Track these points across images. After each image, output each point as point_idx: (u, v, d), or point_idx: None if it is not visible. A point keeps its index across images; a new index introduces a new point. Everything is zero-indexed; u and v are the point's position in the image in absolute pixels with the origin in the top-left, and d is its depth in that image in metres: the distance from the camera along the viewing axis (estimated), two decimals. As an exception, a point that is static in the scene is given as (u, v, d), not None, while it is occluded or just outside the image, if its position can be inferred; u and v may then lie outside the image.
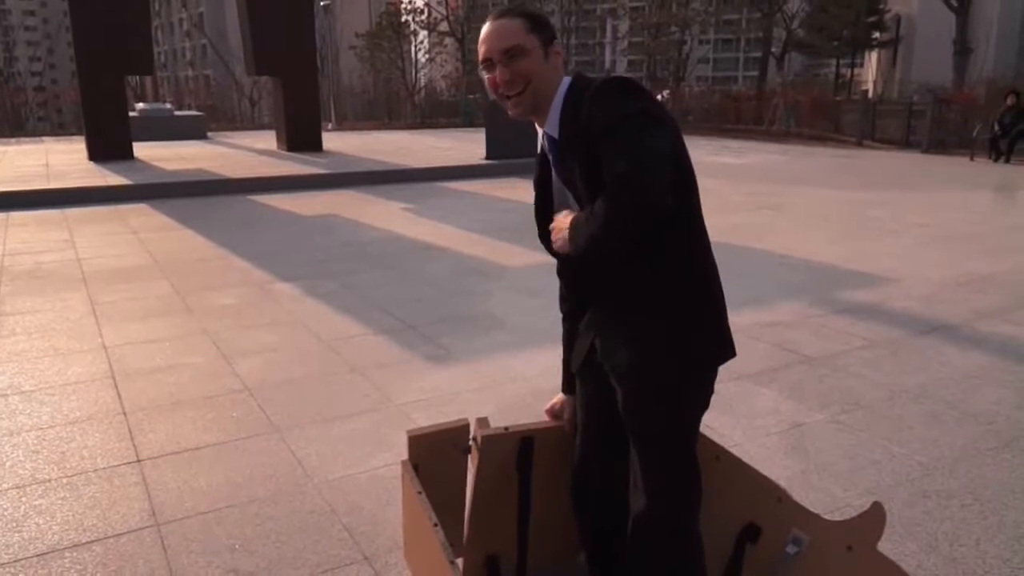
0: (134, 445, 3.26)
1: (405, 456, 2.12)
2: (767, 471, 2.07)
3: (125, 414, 3.57)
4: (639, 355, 1.74)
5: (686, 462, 1.81)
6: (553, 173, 1.86)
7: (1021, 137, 14.75)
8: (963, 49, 27.24)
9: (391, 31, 41.02)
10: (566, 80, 1.77)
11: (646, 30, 39.61)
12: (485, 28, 1.77)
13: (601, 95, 1.61)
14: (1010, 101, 15.12)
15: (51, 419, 3.53)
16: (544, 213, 1.89)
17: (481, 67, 1.79)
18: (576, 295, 2.01)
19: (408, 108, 31.62)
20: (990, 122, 15.63)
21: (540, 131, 1.85)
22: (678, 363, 1.73)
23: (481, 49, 1.76)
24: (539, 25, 1.76)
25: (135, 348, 4.48)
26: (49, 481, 2.97)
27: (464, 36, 43.21)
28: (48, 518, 2.71)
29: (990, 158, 15.18)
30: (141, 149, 14.38)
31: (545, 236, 1.84)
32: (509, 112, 1.80)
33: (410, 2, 42.45)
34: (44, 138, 20.67)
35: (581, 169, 1.66)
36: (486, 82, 1.80)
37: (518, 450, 2.13)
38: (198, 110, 24.28)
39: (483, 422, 2.16)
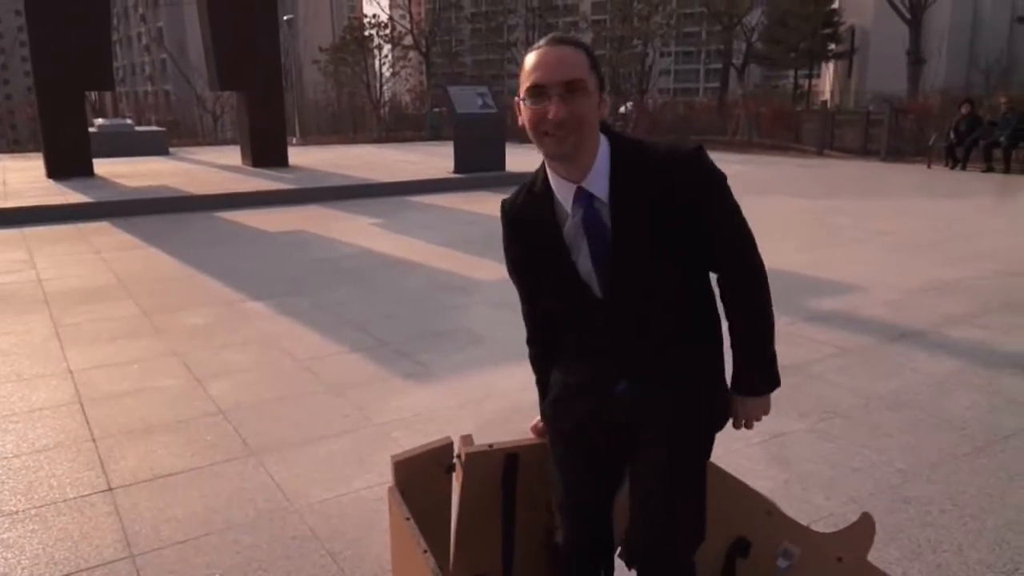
0: (105, 473, 3.17)
1: (389, 479, 2.08)
2: (750, 482, 2.07)
3: (94, 441, 3.48)
4: (686, 395, 1.76)
5: (703, 501, 1.81)
6: (568, 224, 1.72)
7: (976, 145, 15.09)
8: (916, 60, 27.93)
9: (355, 45, 40.91)
10: (603, 138, 1.69)
11: (609, 43, 39.98)
12: (543, 52, 1.61)
13: (705, 172, 1.68)
14: (965, 110, 15.47)
15: (16, 448, 3.42)
16: (559, 259, 1.74)
17: (524, 95, 1.63)
18: (547, 338, 1.93)
19: (373, 122, 31.52)
20: (945, 130, 15.96)
21: (554, 180, 1.72)
22: (715, 403, 1.84)
23: (534, 75, 1.60)
24: (597, 65, 1.65)
25: (102, 372, 4.37)
26: (16, 513, 2.87)
27: (428, 50, 43.28)
28: (16, 552, 2.62)
29: (946, 165, 15.50)
30: (101, 166, 14.14)
31: (565, 291, 1.77)
32: (546, 149, 1.65)
33: (374, 16, 42.40)
34: None
35: (648, 225, 1.66)
36: (525, 112, 1.64)
37: (503, 467, 2.11)
38: (159, 125, 23.97)
39: (467, 439, 2.13)
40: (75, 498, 2.98)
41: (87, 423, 3.67)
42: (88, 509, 2.90)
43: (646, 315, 1.74)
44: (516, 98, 1.68)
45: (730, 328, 1.79)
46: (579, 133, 1.61)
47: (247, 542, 2.67)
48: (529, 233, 1.79)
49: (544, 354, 1.97)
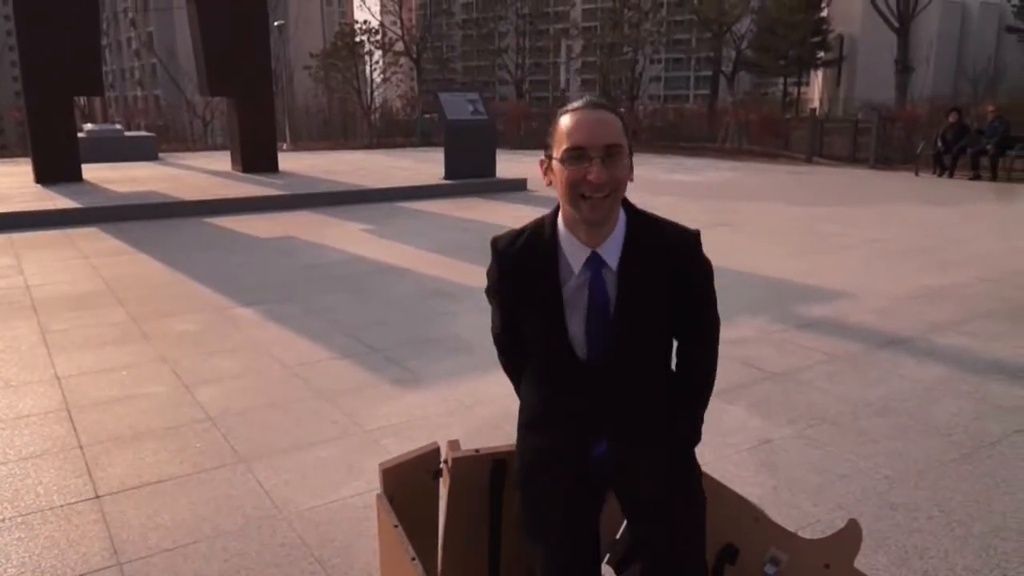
0: (92, 480, 3.15)
1: (377, 486, 2.07)
2: (739, 488, 2.08)
3: (82, 448, 3.46)
4: (671, 452, 1.86)
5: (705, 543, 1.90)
6: (572, 283, 1.75)
7: (963, 153, 15.21)
8: (904, 68, 28.11)
9: (346, 51, 40.91)
10: (620, 208, 1.74)
11: (599, 50, 40.18)
12: (583, 115, 1.64)
13: (701, 260, 1.81)
14: (952, 118, 15.58)
15: (2, 455, 3.40)
16: (550, 298, 1.76)
17: (562, 156, 1.64)
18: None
19: (364, 128, 31.51)
20: (933, 138, 16.08)
21: (567, 239, 1.74)
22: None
23: (576, 137, 1.62)
24: (628, 130, 1.69)
25: (90, 378, 4.35)
26: (2, 521, 2.86)
27: (419, 56, 43.31)
28: (2, 560, 2.61)
29: (934, 173, 15.62)
30: (90, 171, 14.06)
31: (547, 345, 1.81)
32: (583, 214, 1.66)
33: (365, 22, 42.41)
34: (-12, 161, 20.15)
35: (652, 298, 1.76)
36: (561, 173, 1.64)
37: (490, 473, 2.11)
38: (148, 131, 23.90)
39: (454, 444, 2.13)
40: (62, 506, 2.97)
41: (74, 430, 3.65)
42: (75, 517, 2.88)
43: (629, 378, 1.80)
44: (545, 157, 1.71)
45: (677, 388, 1.88)
46: (615, 197, 1.67)
47: (235, 549, 2.66)
48: (526, 280, 1.79)
49: (518, 366, 1.99)
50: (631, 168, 1.71)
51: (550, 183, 1.71)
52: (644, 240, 1.74)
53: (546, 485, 1.84)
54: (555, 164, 1.67)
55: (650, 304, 1.76)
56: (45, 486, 3.13)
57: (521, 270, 1.79)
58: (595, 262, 1.72)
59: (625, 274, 1.72)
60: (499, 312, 1.92)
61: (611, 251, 1.72)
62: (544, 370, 1.86)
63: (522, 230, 1.82)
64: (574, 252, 1.73)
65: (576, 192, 1.64)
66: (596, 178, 1.61)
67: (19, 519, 2.87)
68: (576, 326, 1.75)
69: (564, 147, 1.63)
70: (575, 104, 1.67)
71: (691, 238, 1.78)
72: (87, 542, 2.72)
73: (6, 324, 5.44)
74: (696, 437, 1.92)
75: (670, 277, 1.75)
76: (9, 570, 2.56)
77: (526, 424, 1.92)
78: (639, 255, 1.73)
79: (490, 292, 1.91)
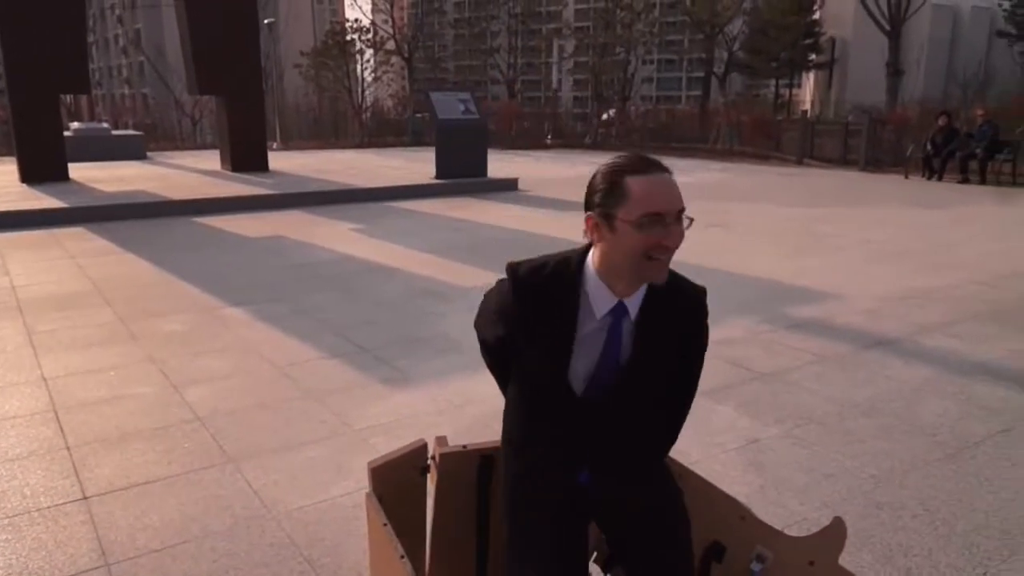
0: (79, 481, 3.15)
1: (367, 485, 2.08)
2: (726, 487, 2.10)
3: (69, 449, 3.45)
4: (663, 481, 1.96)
5: None
6: (591, 327, 1.79)
7: (952, 156, 15.30)
8: (895, 71, 28.25)
9: (336, 49, 40.79)
10: None
11: (591, 50, 40.17)
12: (659, 181, 1.67)
13: (706, 324, 1.90)
14: (942, 122, 15.68)
15: (-11, 456, 3.39)
16: (562, 336, 1.79)
17: (639, 221, 1.65)
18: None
19: (355, 127, 31.46)
20: (923, 142, 16.17)
21: (596, 286, 1.77)
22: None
23: (656, 203, 1.65)
24: None
25: (77, 379, 4.33)
26: (-10, 522, 2.85)
27: (411, 55, 43.27)
28: (-9, 561, 2.60)
29: (924, 176, 15.71)
30: (77, 170, 13.99)
31: (546, 379, 1.85)
32: (651, 274, 1.71)
33: (356, 21, 42.34)
34: (-26, 159, 20.01)
35: (663, 351, 1.84)
36: (638, 236, 1.65)
37: (478, 469, 2.12)
38: (136, 129, 23.79)
39: (442, 441, 2.15)
40: (49, 507, 2.96)
41: (61, 431, 3.64)
42: (62, 518, 2.88)
43: (619, 418, 1.87)
44: (597, 216, 1.70)
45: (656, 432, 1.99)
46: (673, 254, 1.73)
47: (224, 550, 2.66)
48: (541, 313, 1.80)
49: (504, 373, 2.03)
50: None
51: (598, 239, 1.73)
52: (663, 295, 1.80)
53: (532, 511, 1.87)
54: (622, 225, 1.66)
55: (660, 357, 1.84)
56: (32, 487, 3.11)
57: (540, 302, 1.80)
58: (619, 311, 1.77)
59: (643, 326, 1.79)
60: (497, 335, 1.93)
61: (634, 303, 1.78)
62: (534, 397, 1.91)
63: (544, 262, 1.84)
64: (601, 298, 1.77)
65: (648, 256, 1.67)
66: (675, 243, 1.68)
67: (6, 521, 2.86)
68: (582, 366, 1.81)
69: (641, 212, 1.65)
70: (635, 164, 1.68)
71: (703, 300, 1.87)
72: (75, 543, 2.71)
73: (-7, 323, 5.42)
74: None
75: (680, 335, 1.85)
76: (-4, 571, 2.55)
77: (510, 442, 1.97)
78: (658, 310, 1.81)
79: (491, 313, 1.93)
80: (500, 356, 1.99)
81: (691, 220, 1.70)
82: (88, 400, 4.02)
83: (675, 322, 1.83)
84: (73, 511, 2.93)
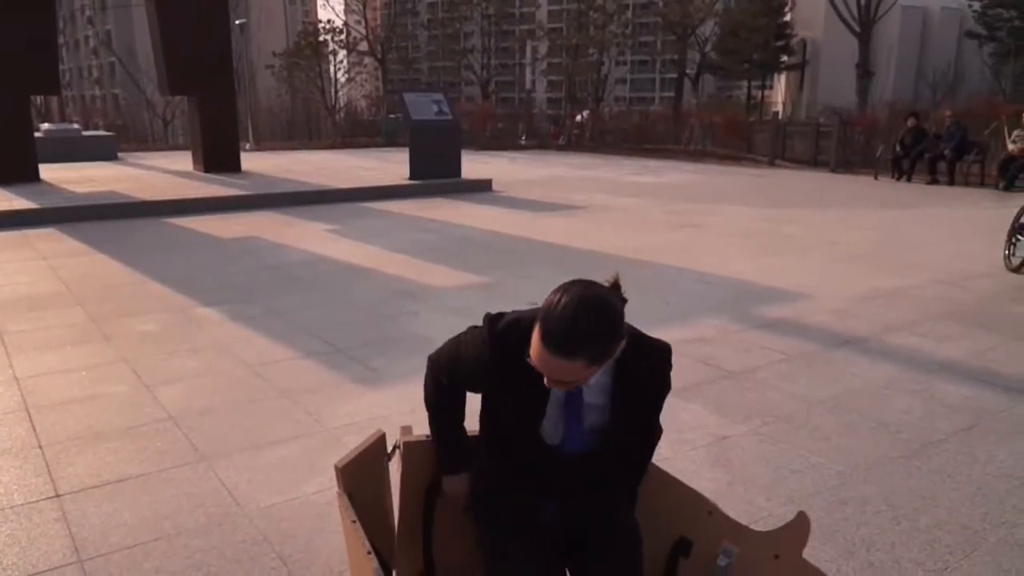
0: (52, 480, 3.14)
1: (336, 486, 2.11)
2: (695, 484, 2.14)
3: (41, 448, 3.43)
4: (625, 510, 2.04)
5: None
6: (560, 395, 1.85)
7: (921, 157, 15.49)
8: (865, 73, 28.61)
9: (309, 50, 40.59)
10: None
11: (565, 51, 40.31)
12: (551, 362, 1.68)
13: (669, 377, 1.98)
14: (910, 123, 15.82)
15: (-39, 455, 3.37)
16: (535, 394, 1.84)
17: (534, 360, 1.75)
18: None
19: (328, 128, 31.34)
20: (892, 143, 16.35)
21: None
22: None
23: (541, 368, 1.72)
24: (601, 356, 1.76)
25: (50, 379, 4.30)
26: (-38, 520, 2.84)
27: (384, 56, 43.14)
28: (-37, 559, 2.59)
29: (893, 177, 15.88)
30: (48, 171, 13.81)
31: (529, 430, 1.91)
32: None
33: (328, 21, 42.14)
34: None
35: (631, 410, 1.92)
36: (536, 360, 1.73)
37: None
38: (107, 130, 23.51)
39: (406, 430, 2.20)
40: (22, 504, 2.95)
41: (34, 430, 3.62)
42: (36, 515, 2.87)
43: (587, 465, 1.96)
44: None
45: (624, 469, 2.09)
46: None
47: (197, 546, 2.67)
48: (516, 369, 1.81)
49: (453, 400, 2.10)
50: (621, 346, 1.74)
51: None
52: (632, 359, 1.83)
53: (507, 536, 1.92)
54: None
55: (628, 417, 1.93)
56: (5, 485, 3.10)
57: (513, 361, 1.80)
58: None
59: (613, 394, 1.87)
60: (471, 375, 1.96)
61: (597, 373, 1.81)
62: (504, 440, 1.99)
63: (519, 318, 1.86)
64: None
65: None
66: (555, 387, 1.77)
67: (-21, 518, 2.86)
68: (551, 423, 1.89)
69: (534, 360, 1.70)
70: (550, 333, 1.65)
71: (668, 358, 1.94)
72: (48, 540, 2.71)
73: (-38, 324, 5.36)
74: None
75: (647, 394, 1.95)
76: (-31, 568, 2.55)
77: (482, 473, 2.06)
78: (625, 376, 1.86)
79: (471, 353, 1.94)
80: (454, 399, 2.07)
81: (595, 369, 1.71)
82: (61, 399, 4.00)
83: (642, 384, 1.90)
84: (46, 508, 2.93)
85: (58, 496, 3.01)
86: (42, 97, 25.24)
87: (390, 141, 25.47)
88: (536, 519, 1.95)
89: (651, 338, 1.92)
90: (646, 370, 1.89)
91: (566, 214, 11.07)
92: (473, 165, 15.66)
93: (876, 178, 16.14)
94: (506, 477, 1.99)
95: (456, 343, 2.02)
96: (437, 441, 2.11)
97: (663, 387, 1.97)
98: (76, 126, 21.88)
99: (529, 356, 1.71)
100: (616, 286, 1.78)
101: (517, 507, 1.96)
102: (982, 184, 14.85)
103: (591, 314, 1.65)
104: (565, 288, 1.69)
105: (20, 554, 2.63)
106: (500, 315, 1.89)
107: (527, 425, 1.90)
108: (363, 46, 42.90)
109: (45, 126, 19.75)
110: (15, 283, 6.64)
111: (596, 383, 1.83)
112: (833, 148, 18.39)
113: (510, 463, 1.99)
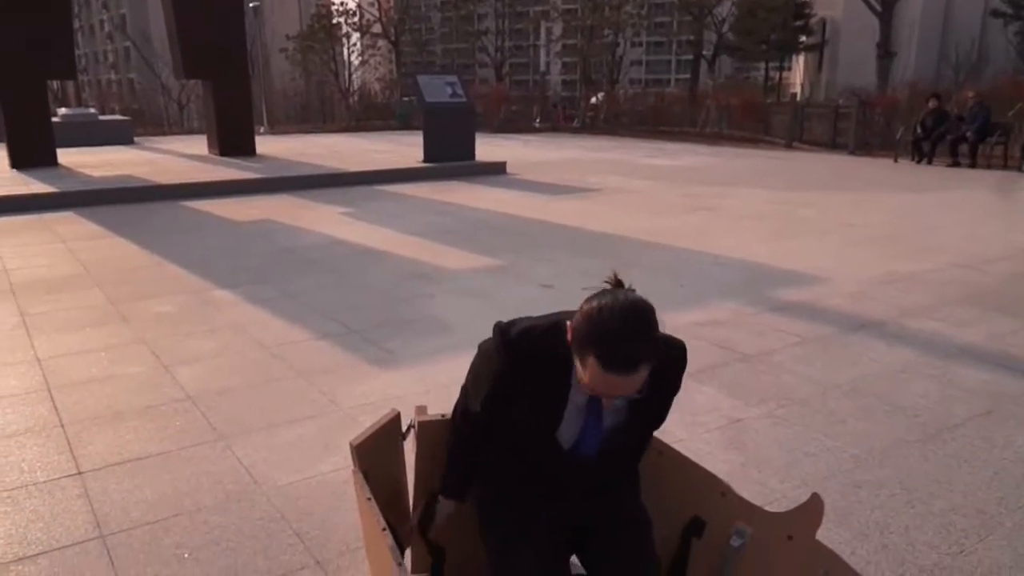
0: (74, 457, 3.19)
1: (352, 464, 2.14)
2: (709, 465, 2.15)
3: (63, 426, 3.49)
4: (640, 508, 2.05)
5: None
6: (576, 396, 1.85)
7: (942, 139, 15.27)
8: (886, 53, 28.17)
9: (323, 33, 40.50)
10: None
11: (580, 33, 39.99)
12: (611, 380, 1.66)
13: (683, 371, 1.98)
14: (932, 104, 15.59)
15: (-15, 433, 3.43)
16: (553, 400, 1.86)
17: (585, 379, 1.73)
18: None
19: (342, 111, 31.32)
20: (912, 125, 16.09)
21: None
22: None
23: (597, 390, 1.72)
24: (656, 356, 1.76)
25: (70, 359, 4.36)
26: (-13, 496, 2.90)
27: (398, 38, 43.00)
28: (-11, 533, 2.65)
29: (913, 159, 15.67)
30: (65, 155, 13.92)
31: (534, 437, 1.92)
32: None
33: (342, 4, 42.04)
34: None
35: (649, 413, 1.96)
36: (586, 378, 1.70)
37: None
38: (123, 114, 23.60)
39: (421, 409, 2.23)
40: (45, 481, 3.00)
41: (56, 409, 3.67)
42: (58, 492, 2.92)
43: (604, 467, 1.97)
44: (573, 346, 1.71)
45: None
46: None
47: (216, 523, 2.71)
48: (532, 377, 1.83)
49: (470, 449, 2.08)
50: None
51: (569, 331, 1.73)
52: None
53: (514, 539, 1.91)
54: (572, 339, 1.69)
55: (646, 419, 1.97)
56: (29, 463, 3.16)
57: (530, 368, 1.82)
58: None
59: (630, 398, 1.83)
60: (487, 393, 1.94)
61: None
62: (518, 444, 1.99)
63: (533, 325, 1.85)
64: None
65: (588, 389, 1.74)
66: (606, 403, 1.80)
67: (5, 494, 2.91)
68: (569, 430, 1.89)
69: (585, 381, 1.69)
70: (611, 357, 1.62)
71: (683, 356, 1.96)
72: (71, 515, 2.76)
73: (-17, 306, 5.43)
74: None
75: (662, 389, 1.92)
76: (-5, 542, 2.60)
77: (489, 480, 2.05)
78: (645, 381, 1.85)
79: (486, 371, 1.94)
80: (481, 421, 2.00)
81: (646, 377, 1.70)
82: (81, 379, 4.06)
83: (658, 385, 1.85)
84: (68, 485, 2.97)
85: (80, 473, 3.06)
86: (59, 82, 25.33)
87: (404, 124, 25.44)
88: (544, 521, 1.94)
89: (666, 336, 1.90)
90: (663, 368, 1.86)
91: (580, 197, 11.04)
92: (487, 148, 15.63)
93: (896, 161, 15.95)
94: (516, 481, 1.99)
95: (471, 370, 2.03)
96: (449, 466, 2.10)
97: (676, 385, 1.98)
98: (93, 111, 21.99)
99: (582, 382, 1.70)
100: (619, 283, 1.76)
101: (525, 510, 1.95)
102: (1005, 166, 14.65)
103: (639, 324, 1.64)
104: (597, 308, 1.65)
105: (44, 529, 2.68)
106: (511, 323, 1.88)
107: (545, 430, 1.89)
108: (377, 28, 42.78)
109: (62, 111, 19.87)
110: (35, 266, 6.71)
111: None
112: (852, 130, 18.18)
113: (522, 467, 1.99)
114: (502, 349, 1.84)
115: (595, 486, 1.99)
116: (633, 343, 1.62)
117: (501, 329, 1.87)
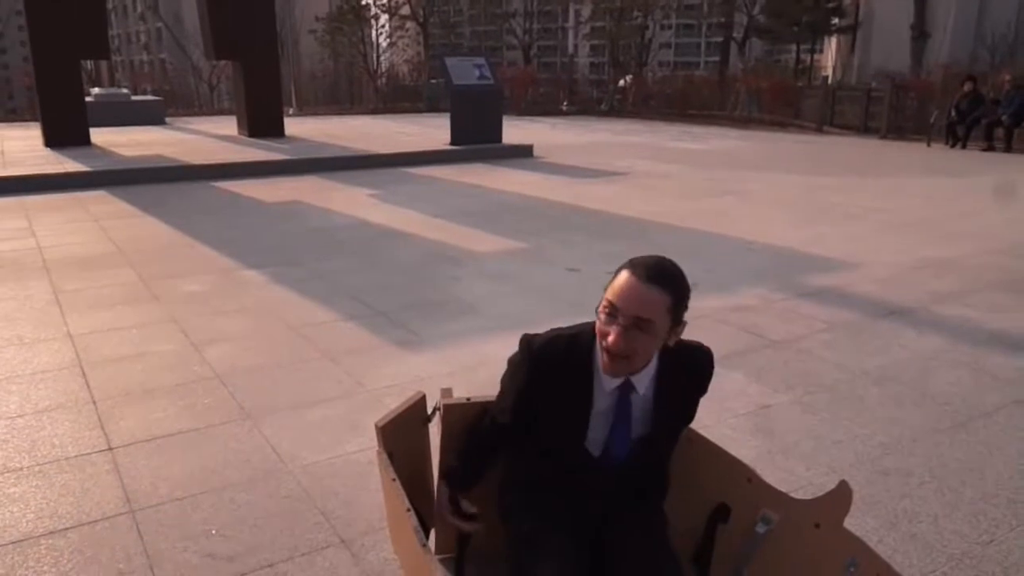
0: (105, 433, 3.24)
1: (377, 445, 2.15)
2: (735, 452, 2.13)
3: (95, 402, 3.54)
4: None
5: None
6: (602, 397, 1.88)
7: (977, 123, 14.99)
8: (921, 35, 27.60)
9: (352, 14, 40.46)
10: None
11: (608, 15, 39.56)
12: (631, 280, 1.73)
13: (711, 377, 2.03)
14: (967, 87, 15.31)
15: (20, 408, 3.49)
16: (578, 409, 1.90)
17: (601, 307, 1.77)
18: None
19: (370, 93, 31.34)
20: (947, 108, 15.83)
21: (605, 372, 1.84)
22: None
23: (615, 294, 1.74)
24: (679, 306, 1.78)
25: (102, 336, 4.43)
26: (21, 469, 2.95)
27: (426, 20, 42.86)
28: (22, 506, 2.70)
29: (947, 144, 15.41)
30: (98, 135, 14.07)
31: (574, 443, 1.93)
32: (602, 361, 1.81)
33: (371, -15, 41.95)
34: (-3, 123, 20.14)
35: (676, 417, 2.01)
36: (597, 324, 1.79)
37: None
38: (155, 95, 23.80)
39: (446, 392, 2.23)
40: (76, 456, 3.05)
41: (87, 385, 3.73)
42: (89, 467, 2.97)
43: (633, 473, 1.99)
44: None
45: None
46: (630, 363, 1.79)
47: (242, 500, 2.74)
48: (557, 387, 1.89)
49: (485, 446, 2.11)
50: (677, 333, 1.82)
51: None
52: (674, 371, 1.90)
53: (539, 544, 1.90)
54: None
55: (674, 423, 2.00)
56: (60, 437, 3.21)
57: (555, 377, 1.88)
58: (626, 387, 1.87)
59: (657, 401, 1.90)
60: (514, 405, 1.98)
61: (643, 381, 1.87)
62: (549, 454, 1.99)
63: (558, 335, 1.91)
64: (608, 376, 1.85)
65: (601, 344, 1.79)
66: (612, 344, 1.75)
67: (36, 468, 2.97)
68: (598, 435, 1.91)
69: (606, 299, 1.75)
70: (638, 266, 1.75)
71: (710, 361, 2.00)
72: (101, 490, 2.80)
73: (20, 284, 5.52)
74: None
75: (690, 394, 1.99)
76: (28, 515, 2.65)
77: (518, 483, 2.06)
78: (670, 385, 1.90)
79: (512, 384, 1.98)
80: (505, 427, 2.04)
81: (662, 328, 1.76)
82: (112, 356, 4.12)
83: (686, 391, 1.97)
84: (99, 460, 3.02)
85: (111, 449, 3.11)
86: (92, 62, 25.58)
87: (431, 106, 25.42)
88: (568, 526, 1.94)
89: (692, 343, 1.95)
90: (686, 377, 1.94)
91: (607, 180, 10.97)
92: (514, 131, 15.58)
93: (929, 145, 15.69)
94: (544, 485, 1.99)
95: (501, 382, 2.06)
96: (460, 456, 2.13)
97: (704, 387, 2.02)
98: (125, 91, 22.20)
99: (603, 304, 1.75)
100: None
101: (551, 515, 1.95)
102: (1041, 151, 14.35)
103: (667, 260, 1.79)
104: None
105: (75, 503, 2.72)
106: (536, 335, 1.94)
107: (573, 436, 1.92)
108: (405, 10, 42.61)
109: (95, 91, 20.05)
110: (69, 243, 6.81)
111: (643, 393, 1.88)
112: (884, 114, 17.90)
113: (551, 471, 1.99)
114: (527, 362, 1.90)
115: (623, 498, 1.99)
116: (660, 265, 1.75)
117: (527, 341, 1.93)
